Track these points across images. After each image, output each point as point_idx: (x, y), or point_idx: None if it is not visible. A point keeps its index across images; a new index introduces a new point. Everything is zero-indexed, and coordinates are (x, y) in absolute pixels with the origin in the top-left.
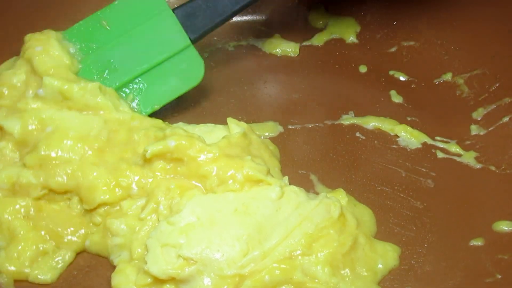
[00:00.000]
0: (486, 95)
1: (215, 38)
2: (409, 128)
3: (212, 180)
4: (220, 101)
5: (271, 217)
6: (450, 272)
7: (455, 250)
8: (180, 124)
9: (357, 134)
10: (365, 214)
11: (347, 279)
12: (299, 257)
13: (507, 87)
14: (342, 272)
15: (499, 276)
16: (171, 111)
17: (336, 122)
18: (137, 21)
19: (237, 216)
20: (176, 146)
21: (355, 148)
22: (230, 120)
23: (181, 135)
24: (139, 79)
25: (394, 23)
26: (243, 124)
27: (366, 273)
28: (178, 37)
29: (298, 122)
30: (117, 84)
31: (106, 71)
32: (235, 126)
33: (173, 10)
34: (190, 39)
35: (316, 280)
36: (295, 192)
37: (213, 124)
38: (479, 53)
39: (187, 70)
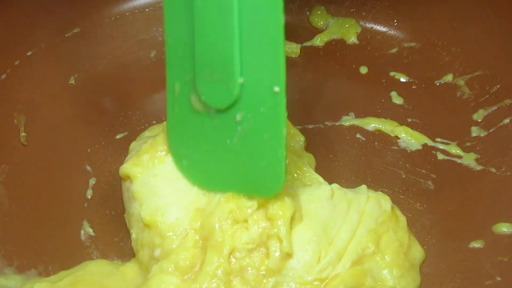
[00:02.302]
0: (487, 96)
1: None
2: (409, 130)
3: None
4: None
5: (331, 216)
6: (449, 274)
7: (455, 252)
8: None
9: (358, 135)
10: None
11: (412, 279)
12: (368, 262)
13: (508, 88)
14: (407, 272)
15: (499, 279)
16: None
17: (337, 123)
18: None
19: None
20: None
21: (355, 149)
22: None
23: None
24: None
25: (395, 24)
26: None
27: (415, 272)
28: None
29: (298, 123)
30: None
31: None
32: None
33: None
34: None
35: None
36: (339, 188)
37: None
38: (480, 55)
39: None
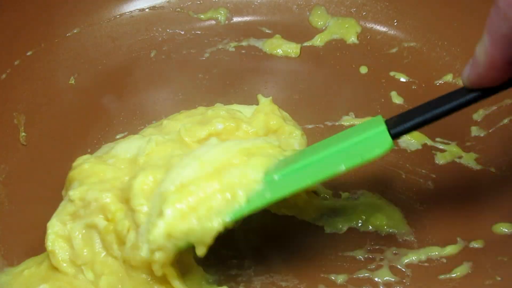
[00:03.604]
0: None
1: (216, 39)
2: None
3: None
4: (221, 102)
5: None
6: None
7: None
8: (218, 105)
9: None
10: None
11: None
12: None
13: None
14: None
15: (499, 279)
16: (171, 113)
17: (337, 123)
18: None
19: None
20: (225, 128)
21: None
22: (259, 96)
23: (225, 117)
24: None
25: (395, 24)
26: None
27: None
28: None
29: (299, 123)
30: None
31: None
32: (263, 98)
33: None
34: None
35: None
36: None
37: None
38: None
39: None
